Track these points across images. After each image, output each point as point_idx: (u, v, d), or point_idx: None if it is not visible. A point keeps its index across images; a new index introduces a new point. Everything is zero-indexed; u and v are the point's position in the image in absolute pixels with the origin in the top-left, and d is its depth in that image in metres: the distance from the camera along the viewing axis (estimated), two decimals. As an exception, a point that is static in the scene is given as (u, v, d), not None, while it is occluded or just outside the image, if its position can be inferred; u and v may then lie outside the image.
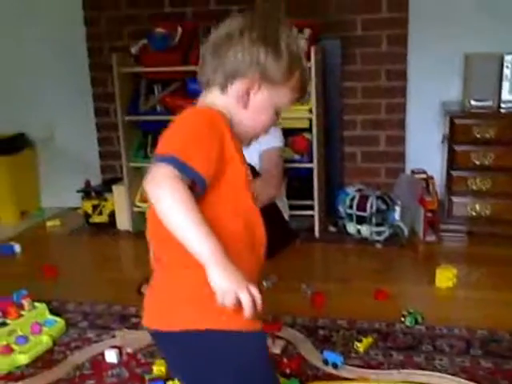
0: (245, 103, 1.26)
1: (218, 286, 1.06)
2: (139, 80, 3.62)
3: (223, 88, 1.25)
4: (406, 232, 3.14)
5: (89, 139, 4.00)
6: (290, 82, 1.26)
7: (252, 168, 2.85)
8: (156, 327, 1.22)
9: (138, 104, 3.58)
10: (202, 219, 1.08)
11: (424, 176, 3.29)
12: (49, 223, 3.78)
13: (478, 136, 3.12)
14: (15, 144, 3.96)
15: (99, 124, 3.98)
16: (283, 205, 3.11)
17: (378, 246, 3.14)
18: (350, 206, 3.20)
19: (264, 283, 2.64)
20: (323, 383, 1.83)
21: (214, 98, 1.26)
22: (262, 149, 2.90)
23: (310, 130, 3.30)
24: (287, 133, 3.22)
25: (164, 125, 3.69)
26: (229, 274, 1.07)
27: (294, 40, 1.27)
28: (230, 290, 1.06)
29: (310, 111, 3.25)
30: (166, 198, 1.08)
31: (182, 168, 1.09)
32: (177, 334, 1.17)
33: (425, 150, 3.50)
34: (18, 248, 3.32)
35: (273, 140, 2.91)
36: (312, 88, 3.21)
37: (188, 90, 3.56)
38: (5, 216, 3.92)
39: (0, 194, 3.88)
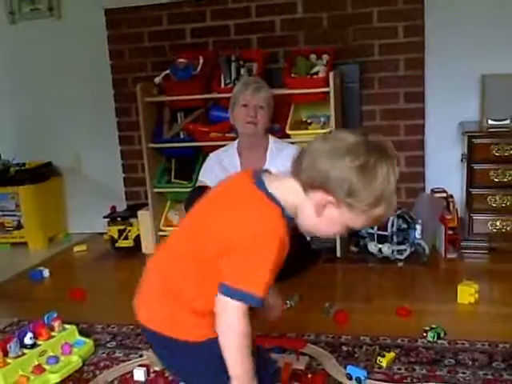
0: (319, 212, 1.32)
1: None
2: (162, 109, 3.73)
3: (305, 189, 1.32)
4: (428, 250, 3.16)
5: (114, 166, 4.10)
6: (370, 212, 1.31)
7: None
8: (160, 330, 1.42)
9: (161, 131, 3.69)
10: (250, 359, 1.34)
11: (444, 195, 3.32)
12: (76, 248, 3.88)
13: (497, 154, 3.16)
14: (43, 172, 4.09)
15: (124, 152, 4.09)
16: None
17: (400, 264, 3.17)
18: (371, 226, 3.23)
19: (287, 302, 2.68)
20: (347, 397, 1.86)
21: (290, 191, 1.33)
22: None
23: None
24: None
25: (187, 151, 3.84)
26: None
27: (391, 178, 1.31)
28: None
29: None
30: (233, 342, 1.32)
31: (251, 300, 1.29)
32: (179, 341, 1.40)
33: (444, 170, 3.54)
34: (46, 273, 3.41)
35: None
36: (331, 112, 3.29)
37: (210, 117, 3.66)
38: (33, 242, 4.02)
39: (28, 221, 4.00)
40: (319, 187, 1.29)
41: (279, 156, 3.00)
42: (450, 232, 3.23)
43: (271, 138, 3.11)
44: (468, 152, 3.22)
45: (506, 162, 3.15)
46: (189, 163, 3.61)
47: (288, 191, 1.33)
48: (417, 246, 3.18)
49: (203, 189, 2.96)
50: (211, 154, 3.13)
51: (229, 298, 1.30)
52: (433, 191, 3.42)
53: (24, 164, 4.12)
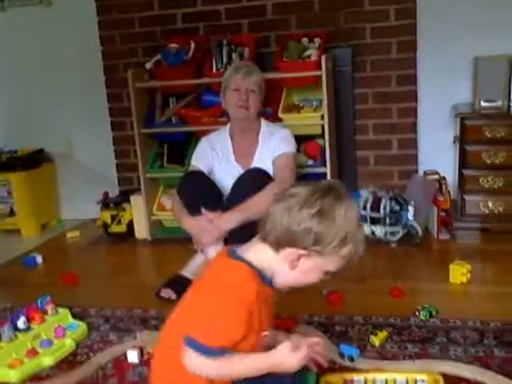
0: (293, 266, 1.40)
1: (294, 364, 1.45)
2: (154, 94, 3.71)
3: (275, 249, 1.39)
4: (420, 231, 3.17)
5: (106, 152, 4.09)
6: (342, 252, 1.39)
7: (266, 174, 2.91)
8: None
9: (153, 117, 3.67)
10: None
11: (436, 177, 3.33)
12: (69, 234, 3.87)
13: (489, 136, 3.16)
14: (35, 159, 4.07)
15: (116, 137, 4.08)
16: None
17: (393, 245, 3.18)
18: (364, 208, 3.23)
19: (280, 284, 2.69)
20: (339, 374, 1.86)
21: (263, 253, 1.41)
22: (276, 155, 2.95)
23: (322, 135, 3.36)
24: (300, 139, 3.28)
25: (179, 136, 3.81)
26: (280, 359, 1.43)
27: (350, 216, 1.37)
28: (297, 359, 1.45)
29: (322, 118, 3.32)
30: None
31: (218, 353, 1.35)
32: None
33: (437, 152, 3.55)
34: (39, 259, 3.41)
35: (285, 146, 2.96)
36: (324, 95, 3.29)
37: (202, 102, 3.65)
38: (26, 229, 4.02)
39: (21, 208, 3.99)
40: (287, 244, 1.37)
41: (271, 139, 2.99)
42: (443, 213, 3.24)
43: (263, 122, 3.10)
44: (460, 134, 3.22)
45: (498, 143, 3.16)
46: (181, 148, 3.60)
47: (262, 255, 1.41)
48: (409, 227, 3.19)
49: (196, 173, 2.96)
50: (203, 139, 3.11)
51: (195, 351, 1.37)
52: (425, 173, 3.42)
53: (16, 151, 4.11)
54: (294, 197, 1.37)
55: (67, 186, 4.23)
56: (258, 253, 1.41)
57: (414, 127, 3.62)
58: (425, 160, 3.61)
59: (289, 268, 1.39)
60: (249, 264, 1.39)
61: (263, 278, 1.40)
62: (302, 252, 1.36)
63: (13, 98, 4.23)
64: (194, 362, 1.37)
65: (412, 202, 3.19)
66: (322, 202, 1.34)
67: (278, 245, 1.37)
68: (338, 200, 1.35)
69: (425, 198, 3.27)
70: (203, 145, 3.09)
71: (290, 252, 1.37)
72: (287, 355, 1.43)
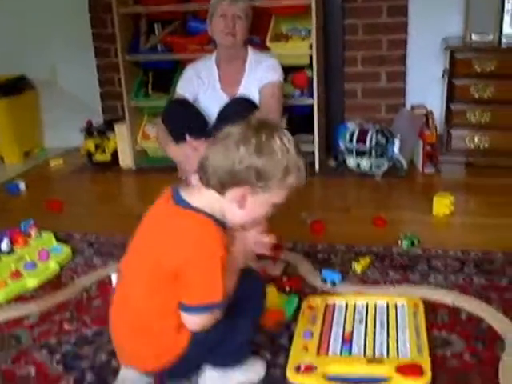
0: (241, 205, 1.38)
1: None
2: (139, 20, 3.61)
3: (220, 192, 1.37)
4: (405, 165, 3.18)
5: (90, 80, 4.01)
6: (284, 184, 1.37)
7: (251, 102, 2.87)
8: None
9: (138, 44, 3.58)
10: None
11: (423, 111, 3.30)
12: (52, 162, 3.83)
13: (478, 70, 3.13)
14: (16, 86, 3.97)
15: (100, 65, 3.99)
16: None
17: (378, 178, 3.19)
18: (350, 140, 3.23)
19: (265, 213, 2.70)
20: (321, 297, 1.89)
21: (210, 199, 1.39)
22: (262, 83, 2.91)
23: (310, 66, 3.30)
24: (288, 69, 3.21)
25: (165, 64, 3.72)
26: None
27: (288, 146, 1.35)
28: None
29: (311, 47, 3.25)
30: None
31: (211, 309, 1.37)
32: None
33: (425, 86, 3.51)
34: (22, 186, 3.37)
35: (272, 74, 2.91)
36: (312, 25, 3.21)
37: (188, 29, 3.56)
38: (9, 156, 3.96)
39: (3, 135, 3.91)
40: (231, 185, 1.36)
41: (258, 68, 2.93)
42: (428, 148, 3.23)
43: (250, 50, 3.03)
44: (450, 67, 3.18)
45: (488, 77, 3.12)
46: (166, 76, 3.53)
47: (209, 200, 1.39)
48: (395, 160, 3.19)
49: (180, 101, 2.91)
50: (188, 66, 3.05)
51: (192, 315, 1.38)
52: (413, 107, 3.40)
53: (-4, 77, 4.00)
54: (229, 137, 1.35)
55: (50, 114, 4.15)
56: (204, 197, 1.39)
57: (403, 60, 3.57)
58: (412, 94, 3.58)
59: (237, 207, 1.38)
60: (202, 212, 1.38)
61: (218, 224, 1.39)
62: (247, 190, 1.36)
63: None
64: (208, 321, 1.38)
65: (398, 136, 3.19)
66: (258, 137, 1.33)
67: (222, 187, 1.36)
68: (272, 132, 1.35)
69: (411, 131, 3.26)
70: (188, 72, 3.03)
71: (235, 192, 1.36)
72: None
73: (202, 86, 2.99)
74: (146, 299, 1.41)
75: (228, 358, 1.51)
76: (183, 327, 1.41)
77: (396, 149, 3.18)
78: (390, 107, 3.62)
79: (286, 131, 1.39)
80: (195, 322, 1.38)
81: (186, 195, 1.41)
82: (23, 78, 4.05)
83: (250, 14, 2.96)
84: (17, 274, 2.19)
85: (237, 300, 1.43)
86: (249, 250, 1.51)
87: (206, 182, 1.38)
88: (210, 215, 1.38)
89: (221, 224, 1.39)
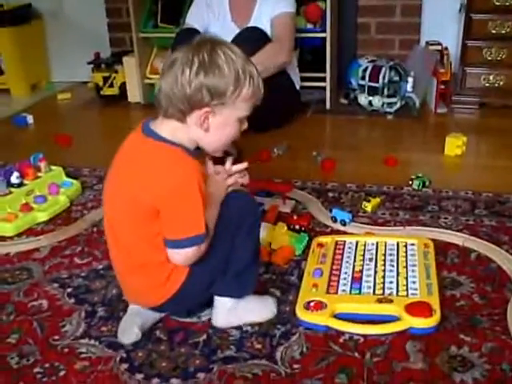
0: (206, 128, 1.35)
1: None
2: None
3: (182, 120, 1.34)
4: (418, 104, 3.12)
5: (97, 10, 3.91)
6: (242, 95, 1.33)
7: (263, 33, 2.80)
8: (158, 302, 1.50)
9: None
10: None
11: (439, 47, 3.22)
12: (60, 96, 3.79)
13: (497, 3, 3.02)
14: (22, 14, 3.89)
15: (107, -6, 3.89)
16: (295, 75, 3.08)
17: (389, 117, 3.14)
18: (363, 77, 3.16)
19: (275, 150, 2.68)
20: (331, 237, 1.89)
21: (175, 130, 1.36)
22: (274, 14, 2.83)
23: (323, -2, 3.21)
24: (300, 1, 3.14)
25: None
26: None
27: (233, 56, 1.32)
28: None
29: (324, -22, 3.15)
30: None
31: (197, 241, 1.35)
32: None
33: (441, 21, 3.42)
34: (30, 119, 3.34)
35: (284, 5, 2.84)
36: (326, -46, 3.10)
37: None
38: (15, 89, 3.92)
39: (10, 66, 3.87)
40: (189, 110, 1.33)
41: (269, -2, 2.86)
42: (442, 86, 3.17)
43: (263, -21, 2.94)
44: (467, 1, 3.08)
45: (507, 12, 3.02)
46: (176, 6, 3.43)
47: (174, 129, 1.36)
48: (407, 99, 3.14)
49: (191, 31, 2.84)
50: (198, -5, 2.97)
51: (178, 250, 1.37)
52: (427, 43, 3.31)
53: (1, 5, 3.90)
54: (175, 63, 1.32)
55: (57, 46, 4.08)
56: (169, 127, 1.37)
57: (419, -7, 3.46)
58: (428, 30, 3.49)
59: (203, 132, 1.36)
60: (170, 142, 1.36)
61: (189, 153, 1.38)
62: (205, 110, 1.33)
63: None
64: (194, 254, 1.37)
65: (412, 73, 3.12)
66: (200, 56, 1.30)
67: (181, 115, 1.34)
68: (214, 47, 1.32)
69: (425, 69, 3.19)
70: (199, 2, 2.96)
71: (195, 117, 1.34)
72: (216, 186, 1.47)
73: (212, 17, 2.93)
74: (133, 235, 1.41)
75: (235, 285, 1.50)
76: None
77: (409, 87, 3.12)
78: (404, 43, 3.53)
79: (229, 43, 1.37)
80: (180, 257, 1.38)
81: (155, 127, 1.38)
82: (30, 5, 3.96)
83: None
84: (27, 207, 2.19)
85: (229, 221, 1.43)
86: (223, 191, 1.48)
87: (165, 113, 1.36)
88: (178, 145, 1.36)
89: (191, 153, 1.38)
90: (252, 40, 2.73)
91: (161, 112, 1.37)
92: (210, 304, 1.55)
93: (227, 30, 2.84)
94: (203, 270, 1.43)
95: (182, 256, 1.38)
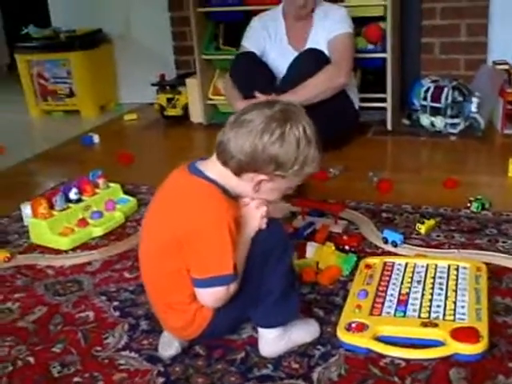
0: (256, 190, 1.38)
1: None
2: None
3: (236, 174, 1.36)
4: (483, 124, 3.02)
5: (163, 34, 4.03)
6: (302, 173, 1.37)
7: (323, 55, 2.80)
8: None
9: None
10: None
11: (506, 67, 3.11)
12: (126, 117, 3.91)
13: None
14: (93, 39, 4.06)
15: (173, 18, 3.98)
16: (354, 96, 3.05)
17: (452, 138, 3.05)
18: (425, 98, 3.09)
19: (331, 170, 2.65)
20: (380, 258, 1.84)
21: (224, 176, 1.37)
22: (331, 36, 2.82)
23: (384, 18, 3.17)
24: (360, 21, 3.12)
25: (235, 15, 3.64)
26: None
27: (310, 138, 1.33)
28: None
29: (386, -3, 3.12)
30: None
31: (224, 281, 1.34)
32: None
33: (509, 40, 3.29)
34: (96, 139, 3.46)
35: (341, 26, 2.82)
36: (388, -27, 3.07)
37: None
38: (85, 110, 4.08)
39: (80, 89, 4.03)
40: (249, 170, 1.34)
41: (326, 20, 2.85)
42: (509, 107, 3.05)
43: (319, 1, 2.94)
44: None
45: None
46: (238, 29, 3.48)
47: (223, 174, 1.37)
48: (472, 119, 3.04)
49: (248, 55, 2.87)
50: (255, 18, 3.00)
51: (205, 289, 1.35)
52: (494, 63, 3.21)
53: (74, 31, 4.09)
54: (252, 122, 1.32)
55: (125, 69, 4.22)
56: (219, 170, 1.37)
57: (485, 11, 3.35)
58: (495, 49, 3.37)
59: (252, 191, 1.38)
60: (213, 182, 1.36)
61: (227, 195, 1.38)
62: (264, 177, 1.34)
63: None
64: (222, 295, 1.36)
65: (477, 93, 3.02)
66: (282, 128, 1.30)
67: (240, 170, 1.34)
68: (294, 123, 1.32)
69: (491, 89, 3.09)
70: (255, 25, 2.99)
71: (252, 177, 1.35)
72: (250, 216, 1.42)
73: (268, 40, 2.95)
74: (157, 270, 1.42)
75: (276, 315, 1.47)
76: None
77: (474, 107, 3.02)
78: (470, 63, 3.43)
79: (307, 119, 1.36)
80: (209, 297, 1.36)
81: (201, 166, 1.39)
82: (100, 31, 4.13)
83: None
84: (83, 222, 2.26)
85: (255, 254, 1.40)
86: (256, 223, 1.43)
87: (224, 162, 1.36)
88: (220, 186, 1.37)
89: (229, 196, 1.38)
90: (311, 62, 2.74)
91: (218, 157, 1.37)
92: (249, 320, 1.54)
93: (284, 53, 2.86)
94: (229, 307, 1.41)
95: (210, 296, 1.36)
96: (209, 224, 1.33)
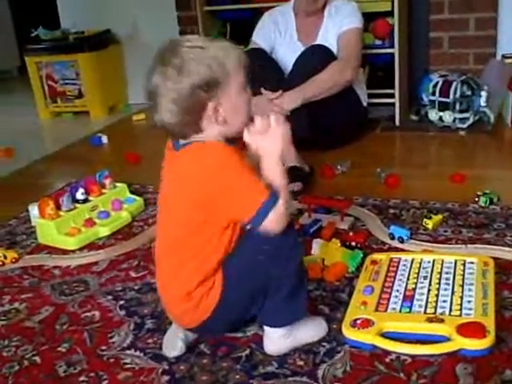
0: (220, 121, 1.32)
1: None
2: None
3: (197, 131, 1.33)
4: (492, 119, 2.99)
5: (171, 34, 4.01)
6: (230, 70, 1.30)
7: (329, 51, 2.78)
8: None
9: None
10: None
11: (515, 60, 3.09)
12: (135, 117, 3.91)
13: None
14: (102, 40, 4.07)
15: (181, 17, 3.99)
16: (362, 92, 3.03)
17: (461, 133, 3.02)
18: (433, 93, 3.07)
19: (338, 167, 2.63)
20: (386, 254, 1.83)
21: (198, 137, 1.33)
22: (340, 31, 2.81)
23: (392, 13, 3.15)
24: (368, 17, 3.10)
25: (243, 13, 3.67)
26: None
27: (199, 46, 1.30)
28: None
29: (393, -8, 3.09)
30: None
31: (271, 204, 1.30)
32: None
33: (518, 34, 3.27)
34: (105, 139, 3.47)
35: (350, 21, 2.80)
36: (395, -32, 3.05)
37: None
38: (94, 111, 4.09)
39: (90, 89, 4.04)
40: (197, 117, 1.31)
41: (337, 15, 2.84)
42: (519, 100, 3.03)
43: (329, -3, 2.92)
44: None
45: None
46: (245, 27, 3.47)
47: (197, 138, 1.34)
48: (481, 114, 3.02)
49: (257, 51, 2.86)
50: (266, 14, 2.99)
51: (260, 222, 1.31)
52: (504, 56, 3.18)
53: (83, 32, 4.10)
54: (158, 88, 1.30)
55: (134, 69, 4.21)
56: (207, 138, 1.34)
57: (494, 4, 3.32)
58: (504, 42, 3.34)
59: (219, 125, 1.33)
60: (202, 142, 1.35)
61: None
62: (210, 106, 1.30)
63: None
64: (278, 214, 1.31)
65: (485, 87, 3.00)
66: (170, 63, 1.29)
67: (194, 127, 1.32)
68: (176, 49, 1.30)
69: (501, 83, 3.06)
70: (266, 21, 2.98)
71: (206, 118, 1.31)
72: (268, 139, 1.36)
73: (278, 36, 2.93)
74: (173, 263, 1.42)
75: (284, 313, 1.45)
76: (216, 277, 1.39)
77: (483, 102, 2.99)
78: (479, 57, 3.40)
79: (186, 37, 1.35)
80: (269, 225, 1.31)
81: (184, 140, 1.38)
82: (108, 31, 4.14)
83: None
84: (90, 222, 2.26)
85: (268, 251, 1.38)
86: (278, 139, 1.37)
87: (181, 136, 1.36)
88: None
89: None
90: (317, 58, 2.72)
91: (173, 137, 1.38)
92: (254, 319, 1.53)
93: (294, 49, 2.85)
94: (236, 295, 1.40)
95: (270, 225, 1.32)
96: (220, 167, 1.30)
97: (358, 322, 1.49)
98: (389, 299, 1.58)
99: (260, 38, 2.94)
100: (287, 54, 2.88)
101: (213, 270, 1.38)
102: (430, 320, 1.46)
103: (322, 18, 2.89)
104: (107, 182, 2.46)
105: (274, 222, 1.32)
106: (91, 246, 2.17)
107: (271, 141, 1.34)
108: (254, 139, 1.36)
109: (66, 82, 4.07)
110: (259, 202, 1.30)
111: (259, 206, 1.30)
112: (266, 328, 1.48)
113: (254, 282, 1.40)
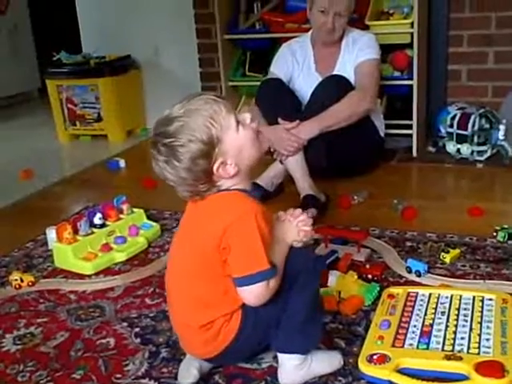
0: (231, 172, 1.35)
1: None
2: (240, -1, 3.62)
3: (211, 185, 1.36)
4: (510, 152, 2.98)
5: (191, 60, 4.07)
6: (222, 120, 1.33)
7: (346, 81, 2.79)
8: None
9: (237, 22, 3.60)
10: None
11: (534, 94, 3.09)
12: (152, 142, 3.93)
13: None
14: (122, 65, 4.13)
15: (200, 45, 4.03)
16: (379, 123, 3.03)
17: (479, 165, 3.01)
18: (451, 125, 3.07)
19: (355, 197, 2.63)
20: (403, 288, 1.81)
21: (224, 186, 1.38)
22: (357, 62, 2.82)
23: (411, 45, 3.16)
24: (387, 48, 3.12)
25: (262, 43, 3.70)
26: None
27: (186, 109, 1.39)
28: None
29: (412, 25, 3.11)
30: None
31: (264, 276, 1.34)
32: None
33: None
34: (122, 163, 3.49)
35: (368, 52, 2.82)
36: (414, 1, 3.07)
37: (287, 8, 3.52)
38: (113, 135, 4.12)
39: (108, 113, 4.08)
40: (208, 181, 1.35)
41: (354, 46, 2.85)
42: (538, 134, 3.02)
43: (348, 29, 2.95)
44: None
45: None
46: (264, 56, 3.52)
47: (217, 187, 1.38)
48: (499, 147, 3.01)
49: (274, 81, 2.88)
50: (284, 45, 3.01)
51: (245, 287, 1.36)
52: (523, 90, 3.19)
53: (104, 57, 4.16)
54: (157, 154, 1.40)
55: (153, 94, 4.27)
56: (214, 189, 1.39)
57: (514, 39, 3.33)
58: (524, 76, 3.35)
59: (232, 177, 1.37)
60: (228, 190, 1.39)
61: (248, 195, 1.39)
62: (217, 163, 1.34)
63: (103, 5, 4.26)
64: (262, 291, 1.36)
65: (504, 121, 3.00)
66: (159, 149, 1.39)
67: (208, 182, 1.36)
68: (158, 138, 1.41)
69: (519, 116, 3.06)
70: (284, 52, 3.00)
71: (216, 177, 1.35)
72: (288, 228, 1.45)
73: (296, 66, 2.95)
74: (186, 293, 1.43)
75: (298, 341, 1.45)
76: (234, 312, 1.41)
77: (501, 135, 2.99)
78: (498, 90, 3.40)
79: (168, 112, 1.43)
80: (249, 294, 1.36)
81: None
82: (129, 57, 4.20)
83: (353, 6, 2.84)
84: (107, 247, 2.27)
85: (286, 277, 1.40)
86: (290, 235, 1.45)
87: (198, 195, 1.39)
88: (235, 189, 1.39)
89: (251, 196, 1.39)
90: (334, 88, 2.73)
91: (192, 197, 1.42)
92: (269, 349, 1.52)
93: (311, 80, 2.86)
94: (253, 325, 1.41)
95: (251, 293, 1.36)
96: (237, 221, 1.33)
97: (375, 357, 1.47)
98: (406, 334, 1.56)
99: (278, 68, 2.96)
100: (305, 84, 2.90)
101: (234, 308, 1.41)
102: (447, 357, 1.45)
103: (340, 49, 2.91)
104: (125, 207, 2.47)
105: (255, 295, 1.36)
106: (107, 271, 2.18)
107: (292, 230, 1.44)
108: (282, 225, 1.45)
109: (86, 105, 4.12)
110: (254, 268, 1.34)
111: (252, 272, 1.34)
112: (280, 357, 1.48)
113: (271, 308, 1.40)
